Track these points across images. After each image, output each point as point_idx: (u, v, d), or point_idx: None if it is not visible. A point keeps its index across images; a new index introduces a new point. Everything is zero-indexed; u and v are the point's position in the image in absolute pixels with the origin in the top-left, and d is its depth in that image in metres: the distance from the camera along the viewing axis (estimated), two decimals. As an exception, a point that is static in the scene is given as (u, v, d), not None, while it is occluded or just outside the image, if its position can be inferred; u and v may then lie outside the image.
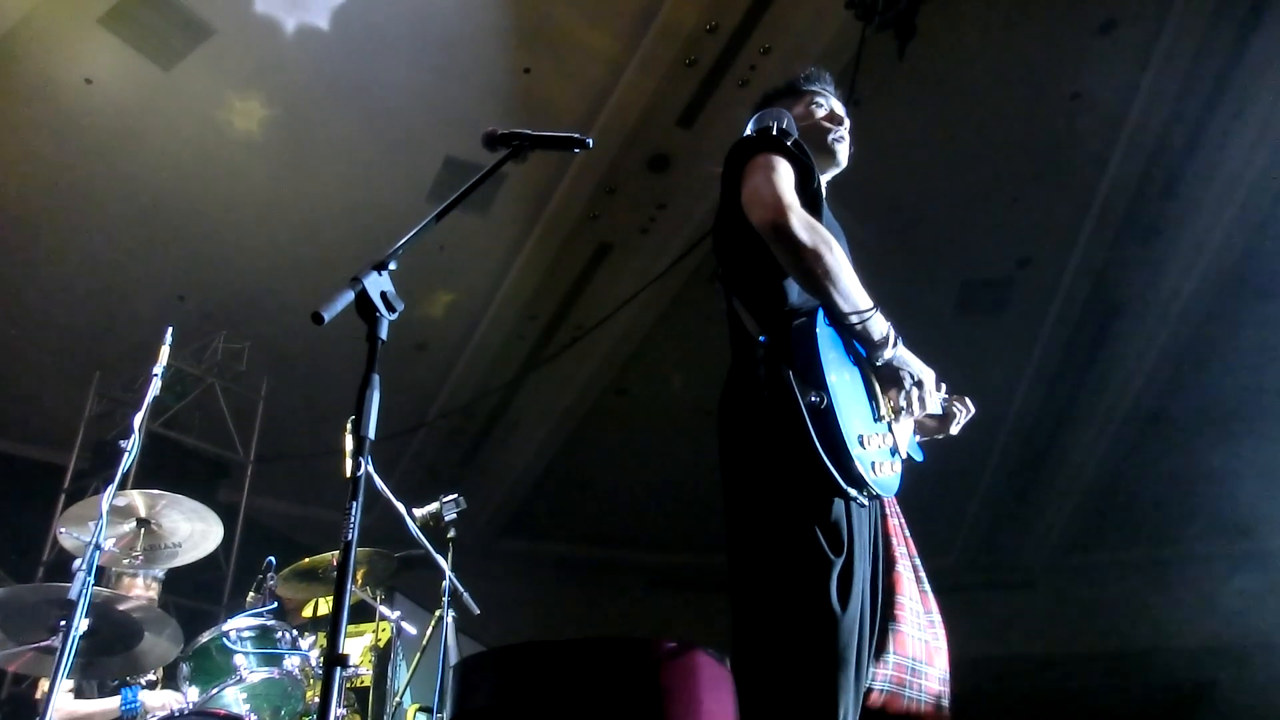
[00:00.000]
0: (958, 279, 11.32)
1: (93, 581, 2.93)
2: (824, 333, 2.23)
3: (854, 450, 2.13)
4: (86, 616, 2.94)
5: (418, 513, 4.37)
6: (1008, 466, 12.77)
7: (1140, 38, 9.40)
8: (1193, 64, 9.57)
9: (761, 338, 2.30)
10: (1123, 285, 11.30)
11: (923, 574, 2.42)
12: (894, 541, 2.37)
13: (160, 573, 4.69)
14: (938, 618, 2.39)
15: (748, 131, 2.75)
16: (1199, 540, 11.88)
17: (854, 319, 2.28)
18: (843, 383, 2.21)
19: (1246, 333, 10.51)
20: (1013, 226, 10.79)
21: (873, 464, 2.18)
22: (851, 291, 2.28)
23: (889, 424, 2.34)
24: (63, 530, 3.91)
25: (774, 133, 2.56)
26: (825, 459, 2.11)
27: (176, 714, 3.77)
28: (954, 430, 2.81)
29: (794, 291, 2.41)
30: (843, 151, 2.84)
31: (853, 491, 2.18)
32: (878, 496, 2.26)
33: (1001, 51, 9.42)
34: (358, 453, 1.73)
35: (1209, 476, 10.90)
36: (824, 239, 2.27)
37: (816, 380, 2.15)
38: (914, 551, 2.42)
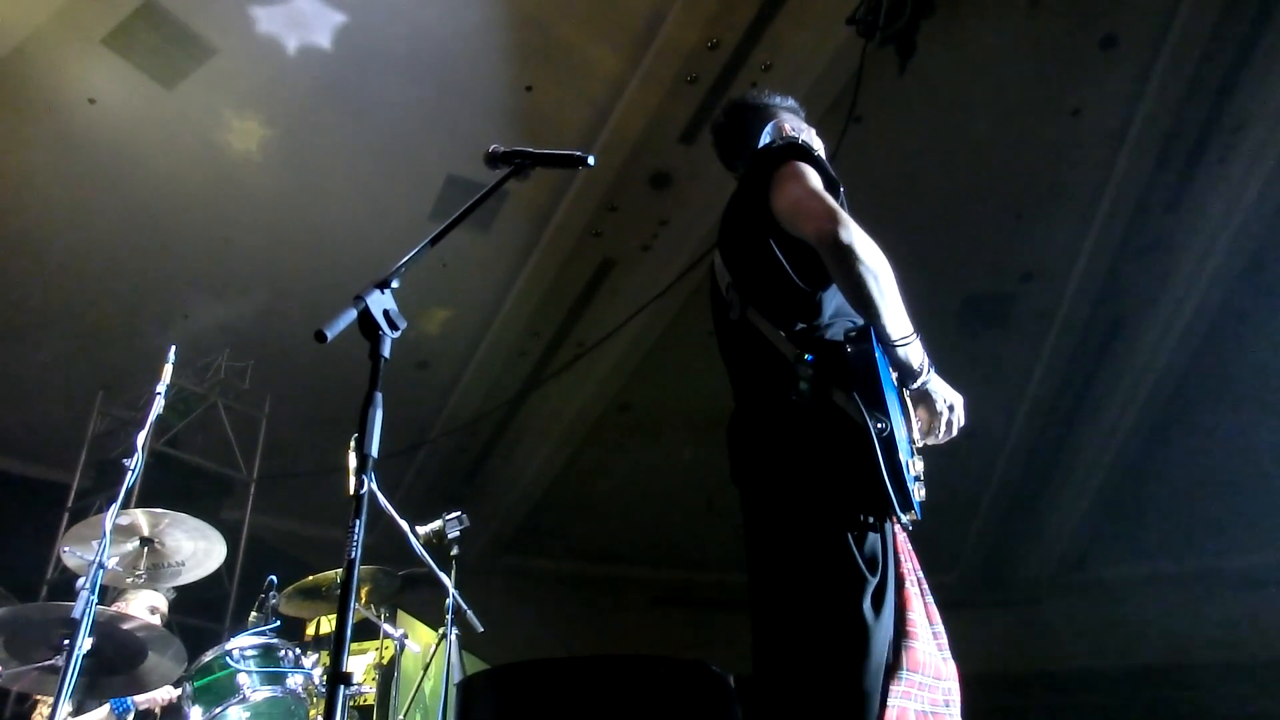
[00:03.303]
0: (961, 294, 11.32)
1: (96, 600, 2.93)
2: (877, 354, 2.21)
3: (907, 476, 2.14)
4: (90, 636, 2.94)
5: (421, 530, 4.36)
6: (1012, 482, 12.75)
7: (1141, 53, 9.42)
8: (1193, 79, 9.59)
9: (808, 356, 2.24)
10: (1125, 300, 11.30)
11: (926, 587, 2.41)
12: (902, 558, 2.37)
13: (164, 603, 4.67)
14: (941, 629, 2.38)
15: (766, 140, 2.73)
16: (1207, 554, 11.84)
17: (899, 342, 2.26)
18: (893, 408, 2.19)
19: (1250, 347, 10.51)
20: (1015, 242, 10.80)
21: (914, 488, 2.19)
22: (899, 315, 2.26)
23: (915, 448, 2.34)
24: (66, 549, 3.91)
25: (799, 142, 2.55)
26: (890, 486, 2.10)
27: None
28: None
29: (828, 307, 2.38)
30: None
31: (905, 517, 2.19)
32: (917, 520, 2.27)
33: (1002, 67, 9.45)
34: (361, 470, 1.73)
35: (1215, 490, 10.88)
36: (881, 257, 2.24)
37: (880, 405, 2.13)
38: (917, 565, 2.42)
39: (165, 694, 4.16)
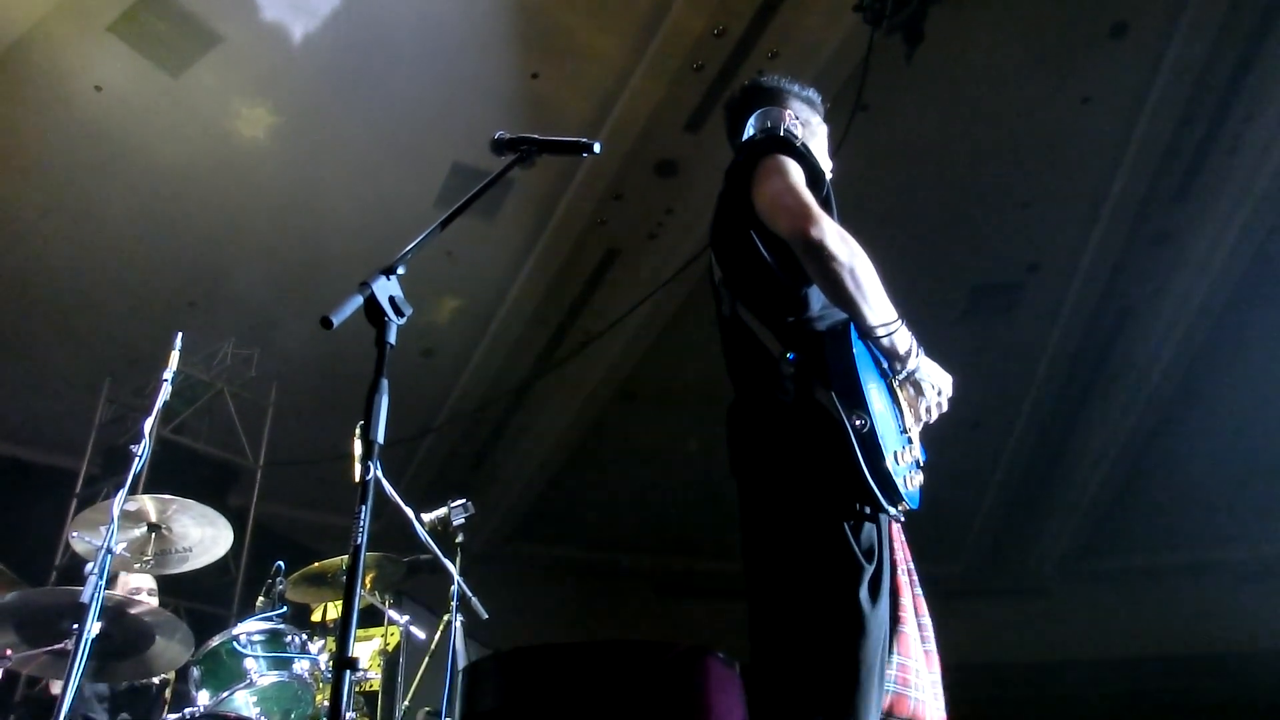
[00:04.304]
0: (967, 284, 11.30)
1: (104, 586, 2.94)
2: (858, 348, 2.20)
3: (893, 469, 2.13)
4: (98, 620, 2.95)
5: (426, 517, 4.37)
6: (1017, 472, 12.74)
7: (1151, 42, 9.38)
8: (1204, 68, 9.55)
9: (790, 355, 2.24)
10: (1133, 291, 11.27)
11: (915, 578, 2.42)
12: (895, 545, 2.37)
13: (150, 582, 4.68)
14: (928, 621, 2.39)
15: (750, 131, 2.72)
16: (1211, 546, 11.84)
17: (881, 332, 2.26)
18: (877, 400, 2.19)
19: (1258, 339, 10.48)
20: (1022, 232, 10.77)
21: (904, 479, 2.19)
22: (880, 305, 2.25)
23: (911, 435, 2.33)
24: (75, 534, 3.93)
25: (781, 134, 2.54)
26: (871, 483, 2.11)
27: (189, 717, 3.79)
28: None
29: (816, 301, 2.37)
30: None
31: (893, 510, 2.19)
32: (909, 510, 2.27)
33: (1011, 55, 9.40)
34: (366, 457, 1.74)
35: (1219, 484, 10.87)
36: (856, 250, 2.23)
37: (857, 401, 2.12)
38: (909, 555, 2.42)
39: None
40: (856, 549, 2.15)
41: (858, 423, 2.11)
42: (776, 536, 2.27)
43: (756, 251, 2.41)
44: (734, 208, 2.49)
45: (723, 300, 2.53)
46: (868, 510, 2.19)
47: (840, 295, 2.23)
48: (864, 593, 2.11)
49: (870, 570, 2.14)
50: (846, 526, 2.16)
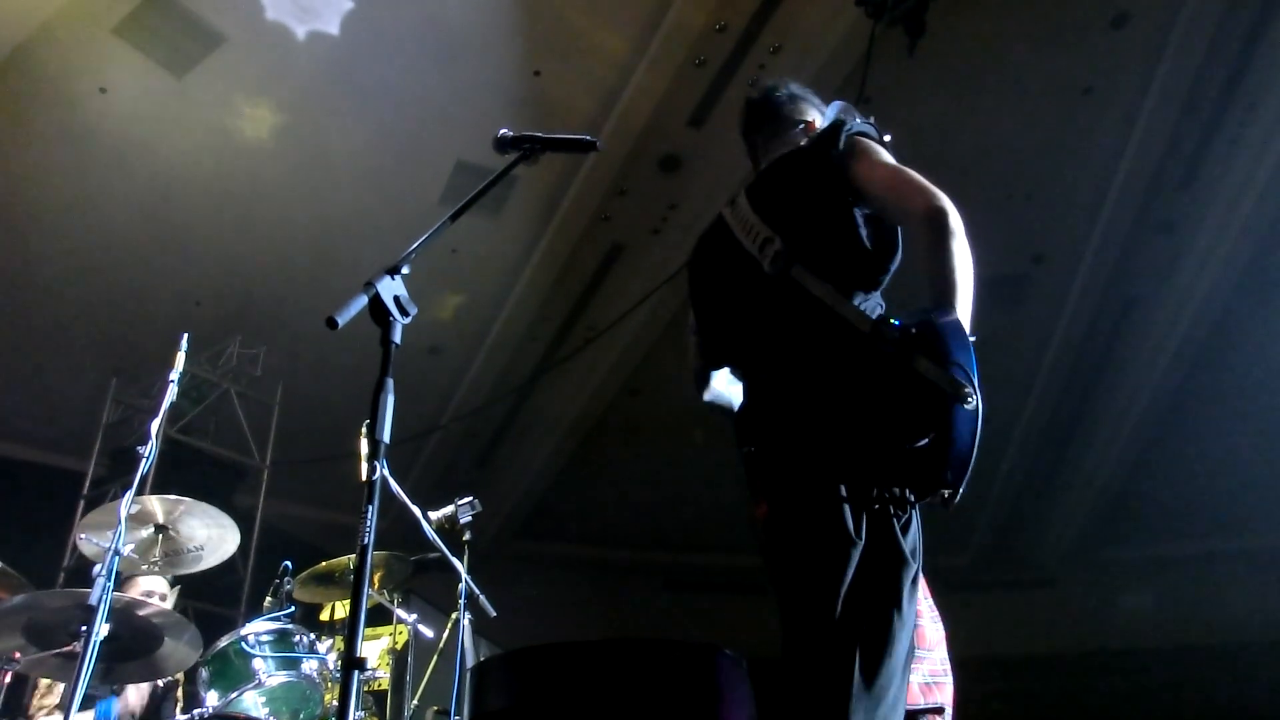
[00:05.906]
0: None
1: (112, 587, 2.94)
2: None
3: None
4: (107, 622, 2.95)
5: (433, 516, 4.37)
6: (1023, 464, 12.72)
7: (1153, 32, 9.35)
8: (1206, 57, 9.52)
9: (895, 321, 2.17)
10: (1138, 281, 11.24)
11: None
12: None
13: (163, 586, 4.67)
14: (932, 605, 2.40)
15: (831, 118, 2.70)
16: (1217, 537, 11.82)
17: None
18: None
19: (1262, 327, 10.45)
20: (1027, 223, 10.75)
21: None
22: (970, 295, 2.20)
23: None
24: (83, 536, 3.93)
25: (866, 123, 2.55)
26: (970, 461, 2.04)
27: (198, 718, 3.79)
28: None
29: (884, 283, 2.41)
30: None
31: (956, 497, 2.13)
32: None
33: (1013, 47, 9.38)
34: (373, 456, 1.74)
35: (1227, 473, 10.85)
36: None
37: (970, 378, 2.05)
38: None
39: (139, 697, 4.20)
40: (903, 545, 2.12)
41: (969, 397, 2.03)
42: (812, 527, 2.19)
43: (849, 225, 2.39)
44: (823, 179, 2.44)
45: (766, 259, 2.41)
46: (912, 499, 2.15)
47: (947, 272, 2.19)
48: (907, 590, 2.10)
49: (914, 568, 2.13)
50: (896, 523, 2.13)
